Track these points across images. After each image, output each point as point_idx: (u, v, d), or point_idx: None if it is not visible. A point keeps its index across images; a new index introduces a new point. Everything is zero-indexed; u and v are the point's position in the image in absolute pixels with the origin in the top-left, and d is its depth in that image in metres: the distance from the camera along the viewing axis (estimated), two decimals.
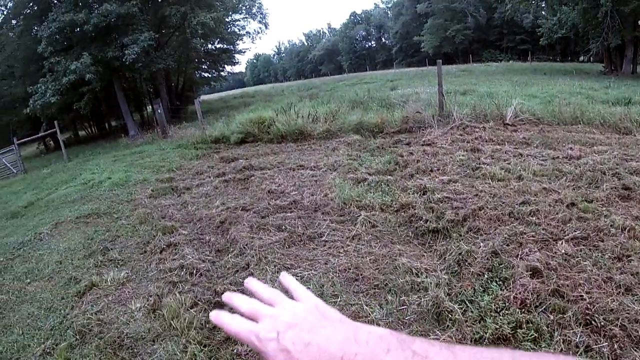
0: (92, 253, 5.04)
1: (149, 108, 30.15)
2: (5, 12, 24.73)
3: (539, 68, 29.25)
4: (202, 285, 3.71)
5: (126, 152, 13.95)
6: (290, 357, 0.45)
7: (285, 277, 0.63)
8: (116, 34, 20.91)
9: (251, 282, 0.61)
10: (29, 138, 22.14)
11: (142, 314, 3.45)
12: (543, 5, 33.49)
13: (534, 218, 4.01)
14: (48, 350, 3.24)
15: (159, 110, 16.74)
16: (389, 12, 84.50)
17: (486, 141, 7.31)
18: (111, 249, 5.05)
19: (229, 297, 0.57)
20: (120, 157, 12.79)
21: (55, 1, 21.24)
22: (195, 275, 3.92)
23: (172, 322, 3.20)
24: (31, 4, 21.62)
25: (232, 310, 0.55)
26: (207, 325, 3.11)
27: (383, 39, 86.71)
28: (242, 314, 0.53)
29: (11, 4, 22.99)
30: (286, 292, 0.60)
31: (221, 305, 3.25)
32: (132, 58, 19.10)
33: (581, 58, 44.71)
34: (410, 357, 0.42)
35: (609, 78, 19.95)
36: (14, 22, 23.46)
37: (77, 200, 7.82)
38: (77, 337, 3.32)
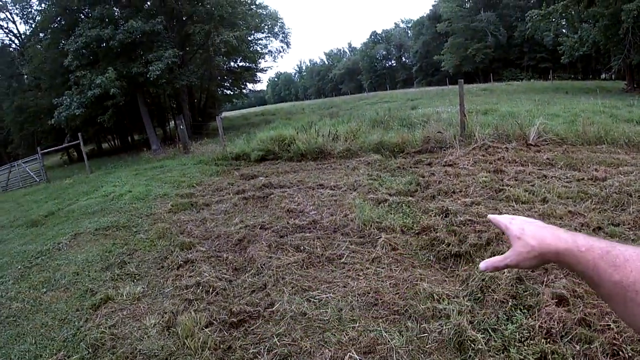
0: (109, 266, 5.03)
1: (172, 123, 30.56)
2: (33, 26, 25.50)
3: (560, 87, 28.96)
4: (218, 304, 3.64)
5: (147, 166, 14.08)
6: (522, 231, 0.77)
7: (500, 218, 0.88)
8: (141, 50, 21.35)
9: (490, 217, 0.91)
10: (53, 148, 22.58)
11: (156, 331, 3.39)
12: (564, 23, 33.21)
13: None
14: None
15: (181, 126, 16.93)
16: (409, 31, 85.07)
17: (509, 162, 7.16)
18: (128, 263, 5.03)
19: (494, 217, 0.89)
20: (142, 170, 12.91)
21: (82, 16, 21.79)
22: (212, 293, 3.85)
23: (186, 341, 3.13)
24: (59, 19, 22.21)
25: None
26: (222, 346, 3.04)
27: (403, 58, 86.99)
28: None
29: (39, 18, 23.68)
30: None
31: (236, 327, 3.20)
32: (156, 74, 19.43)
33: (603, 76, 44.37)
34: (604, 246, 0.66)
35: (631, 96, 19.60)
36: (41, 35, 24.16)
37: (97, 212, 7.87)
38: (90, 350, 3.28)
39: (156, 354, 3.10)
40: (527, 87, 30.43)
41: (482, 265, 0.82)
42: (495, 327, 2.83)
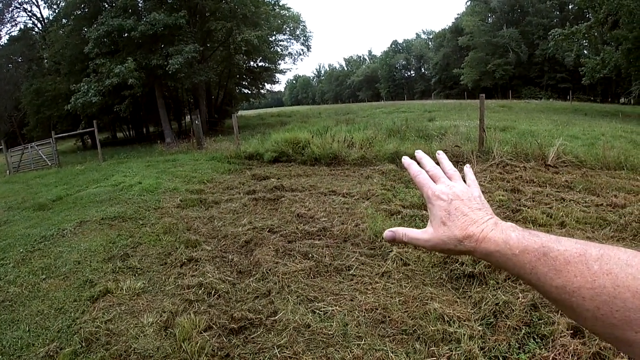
0: (111, 257, 4.94)
1: (187, 118, 30.71)
2: (57, 11, 25.75)
3: (579, 108, 28.77)
4: (219, 307, 3.52)
5: (160, 158, 14.07)
6: (448, 217, 0.64)
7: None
8: (162, 43, 21.45)
9: (441, 154, 0.78)
10: (68, 134, 22.71)
11: (153, 330, 3.29)
12: (586, 44, 32.89)
13: None
14: (51, 354, 3.12)
15: (196, 121, 16.92)
16: (430, 42, 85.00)
17: (527, 182, 6.99)
18: (131, 256, 4.94)
19: (422, 156, 0.77)
20: (154, 163, 12.89)
21: (106, 5, 21.95)
22: (214, 296, 3.74)
23: (183, 344, 3.02)
24: (82, 6, 22.40)
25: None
26: (219, 353, 2.92)
27: (422, 69, 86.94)
28: (426, 171, 0.72)
29: (63, 4, 23.90)
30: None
31: (235, 333, 3.08)
32: (175, 68, 19.51)
33: (622, 100, 43.92)
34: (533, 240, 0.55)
35: None
36: (64, 20, 24.37)
37: (105, 201, 7.81)
38: (83, 344, 3.19)
39: (151, 354, 3.00)
40: (546, 107, 30.24)
41: (388, 233, 0.71)
42: (507, 355, 2.69)
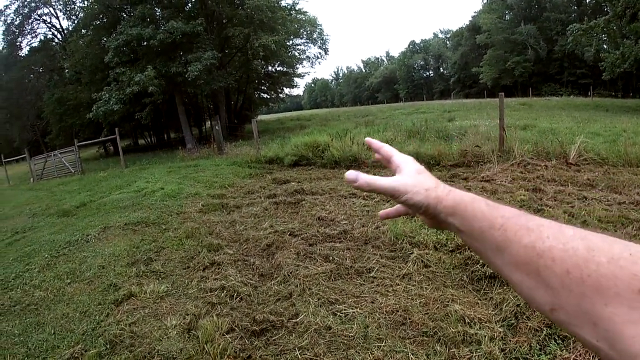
0: (135, 262, 5.02)
1: (208, 124, 31.03)
2: (76, 22, 26.31)
3: (600, 104, 28.39)
4: (242, 310, 3.56)
5: (181, 164, 14.24)
6: (421, 172, 0.66)
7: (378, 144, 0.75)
8: (181, 50, 21.74)
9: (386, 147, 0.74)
10: (91, 141, 23.22)
11: (177, 333, 3.33)
12: (605, 38, 32.32)
13: None
14: (76, 355, 3.19)
15: (216, 127, 17.10)
16: (447, 42, 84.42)
17: (548, 181, 6.89)
18: (155, 260, 5.01)
19: (371, 140, 0.76)
20: (175, 169, 13.04)
21: (124, 15, 22.33)
22: (236, 298, 3.77)
23: (205, 345, 3.05)
24: (101, 16, 22.84)
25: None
26: (242, 355, 2.95)
27: (441, 68, 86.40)
28: (381, 155, 0.74)
29: (82, 15, 24.40)
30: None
31: (257, 335, 3.11)
32: (194, 75, 19.74)
33: None
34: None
35: None
36: (83, 31, 24.90)
37: (128, 207, 7.93)
38: (108, 346, 3.25)
39: (174, 356, 3.03)
40: (567, 103, 29.80)
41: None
42: (527, 357, 2.66)
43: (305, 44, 37.14)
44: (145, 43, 20.81)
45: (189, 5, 24.33)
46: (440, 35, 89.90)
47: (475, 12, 69.55)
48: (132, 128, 28.92)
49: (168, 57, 21.24)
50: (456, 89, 71.22)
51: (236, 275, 4.21)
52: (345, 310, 3.37)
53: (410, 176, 0.65)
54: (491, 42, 57.24)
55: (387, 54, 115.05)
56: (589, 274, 0.40)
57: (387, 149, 0.73)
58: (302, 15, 33.32)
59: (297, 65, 36.40)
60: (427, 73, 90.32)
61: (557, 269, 0.43)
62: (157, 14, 22.43)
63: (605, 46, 35.26)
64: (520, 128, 12.58)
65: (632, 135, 10.55)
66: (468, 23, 69.75)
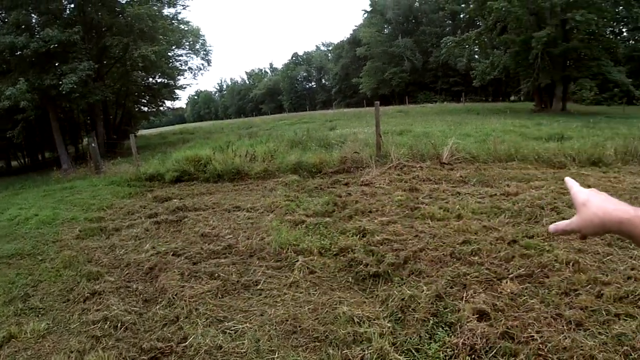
0: (12, 299, 4.46)
1: (85, 141, 28.83)
2: None
3: (472, 108, 30.73)
4: (127, 340, 3.32)
5: (57, 186, 13.02)
6: (589, 203, 0.85)
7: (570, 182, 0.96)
8: (56, 61, 20.11)
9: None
10: None
11: None
12: (476, 49, 35.69)
13: (476, 257, 3.96)
14: None
15: (93, 144, 15.92)
16: (329, 54, 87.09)
17: (424, 180, 7.36)
18: (32, 296, 4.49)
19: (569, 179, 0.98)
20: (51, 192, 11.90)
21: None
22: (120, 329, 3.51)
23: None
24: None
25: None
26: None
27: (323, 80, 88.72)
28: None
29: None
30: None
31: None
32: (68, 87, 18.31)
33: (512, 97, 48.10)
34: None
35: (540, 115, 21.24)
36: None
37: (1, 238, 7.06)
38: None
39: None
40: (441, 109, 32.08)
41: (552, 227, 0.92)
42: (418, 347, 2.79)
43: (188, 54, 36.14)
44: (18, 53, 18.92)
45: (67, 11, 22.56)
46: (323, 48, 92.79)
47: (355, 26, 72.87)
48: (3, 148, 25.97)
49: (42, 69, 19.40)
50: (337, 99, 73.46)
51: (119, 304, 3.92)
52: (234, 326, 3.28)
53: (585, 214, 0.87)
54: (370, 54, 60.01)
55: (271, 65, 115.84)
56: None
57: (571, 192, 0.93)
58: (185, 26, 32.31)
59: (179, 77, 35.14)
60: (310, 84, 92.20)
61: None
62: (33, 20, 20.52)
63: (476, 56, 38.85)
64: (397, 133, 13.32)
65: (501, 134, 11.70)
66: (349, 36, 72.39)
